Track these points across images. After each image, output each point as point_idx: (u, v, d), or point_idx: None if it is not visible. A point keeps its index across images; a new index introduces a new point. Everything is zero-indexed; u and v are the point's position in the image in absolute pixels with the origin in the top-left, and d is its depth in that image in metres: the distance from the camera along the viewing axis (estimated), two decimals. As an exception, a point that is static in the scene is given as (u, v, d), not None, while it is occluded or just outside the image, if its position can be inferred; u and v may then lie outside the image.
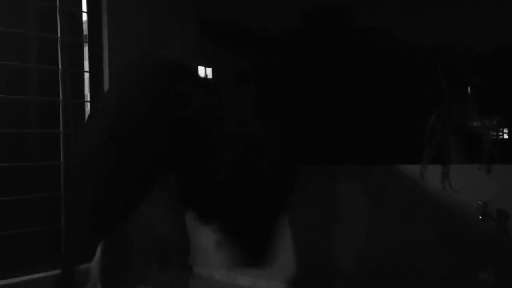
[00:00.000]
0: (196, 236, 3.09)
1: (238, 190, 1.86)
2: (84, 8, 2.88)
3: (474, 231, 2.05)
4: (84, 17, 2.90)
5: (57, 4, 2.73)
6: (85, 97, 2.92)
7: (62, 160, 2.73)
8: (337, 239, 2.52)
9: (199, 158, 1.81)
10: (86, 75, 2.89)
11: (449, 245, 2.15)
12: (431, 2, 3.07)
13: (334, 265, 2.53)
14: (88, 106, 2.91)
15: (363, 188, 2.45)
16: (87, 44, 2.89)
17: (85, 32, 2.90)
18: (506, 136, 2.39)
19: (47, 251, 2.73)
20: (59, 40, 2.75)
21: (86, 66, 2.90)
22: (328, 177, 2.59)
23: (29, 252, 2.67)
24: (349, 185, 2.50)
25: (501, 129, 2.31)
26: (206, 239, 3.05)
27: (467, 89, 2.48)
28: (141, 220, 1.81)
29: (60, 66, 2.74)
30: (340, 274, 2.51)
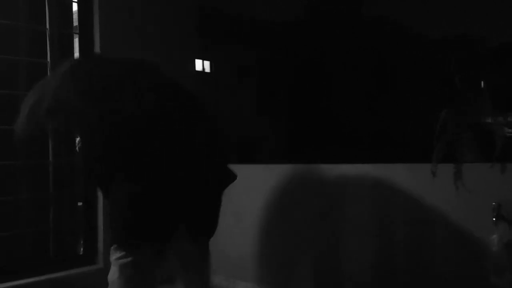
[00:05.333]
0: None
1: None
2: (75, -3, 2.89)
3: (487, 233, 2.05)
4: (75, 7, 2.90)
5: (46, -7, 2.74)
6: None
7: (50, 159, 2.74)
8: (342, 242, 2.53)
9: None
10: (77, 69, 2.89)
11: (461, 247, 2.15)
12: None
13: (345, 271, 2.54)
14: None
15: (370, 187, 2.46)
16: (77, 35, 2.89)
17: (76, 23, 2.90)
18: (521, 134, 2.39)
19: (34, 255, 2.74)
20: (48, 31, 2.76)
21: (77, 59, 2.90)
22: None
23: (16, 256, 2.67)
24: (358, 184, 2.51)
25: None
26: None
27: (481, 85, 2.47)
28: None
29: (49, 59, 2.75)
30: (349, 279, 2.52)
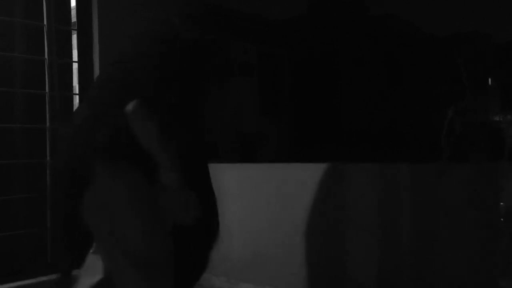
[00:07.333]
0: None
1: None
2: (73, -7, 2.87)
3: (495, 234, 2.03)
4: (73, 3, 2.88)
5: (44, -12, 2.72)
6: (74, 89, 2.91)
7: (48, 158, 2.72)
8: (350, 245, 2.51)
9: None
10: (75, 66, 2.88)
11: (469, 248, 2.13)
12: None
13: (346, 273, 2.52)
14: (77, 99, 2.89)
15: (373, 187, 2.43)
16: (75, 32, 2.87)
17: (74, 19, 2.88)
18: (531, 132, 2.36)
19: (32, 256, 2.72)
20: (45, 27, 2.73)
21: (75, 56, 2.88)
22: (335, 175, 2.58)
23: (13, 257, 2.65)
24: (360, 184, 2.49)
25: (526, 124, 2.28)
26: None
27: (489, 82, 2.45)
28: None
29: (46, 56, 2.73)
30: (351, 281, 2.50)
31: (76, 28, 2.87)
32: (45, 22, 2.73)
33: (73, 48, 2.88)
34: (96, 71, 2.85)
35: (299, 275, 2.67)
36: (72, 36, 2.87)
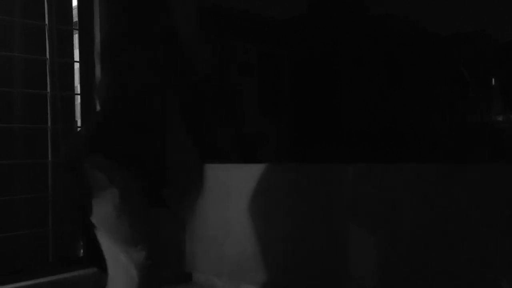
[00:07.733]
0: (195, 240, 3.08)
1: None
2: (74, -8, 2.87)
3: (497, 235, 2.02)
4: (74, 2, 2.88)
5: (45, -12, 2.71)
6: (75, 89, 2.91)
7: (50, 158, 2.72)
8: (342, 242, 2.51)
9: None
10: (76, 65, 2.87)
11: (470, 249, 2.13)
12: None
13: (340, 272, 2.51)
14: (78, 99, 2.89)
15: (375, 187, 2.43)
16: (77, 31, 2.87)
17: (75, 18, 2.88)
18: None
19: (34, 256, 2.72)
20: (46, 27, 2.73)
21: (76, 56, 2.88)
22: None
23: (14, 258, 2.65)
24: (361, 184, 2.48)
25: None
26: (206, 244, 3.04)
27: (492, 81, 2.45)
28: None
29: (47, 56, 2.73)
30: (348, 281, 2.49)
31: (77, 27, 2.86)
32: (46, 22, 2.72)
33: (74, 48, 2.88)
34: (98, 71, 2.84)
35: (301, 276, 2.67)
36: (74, 35, 2.87)
